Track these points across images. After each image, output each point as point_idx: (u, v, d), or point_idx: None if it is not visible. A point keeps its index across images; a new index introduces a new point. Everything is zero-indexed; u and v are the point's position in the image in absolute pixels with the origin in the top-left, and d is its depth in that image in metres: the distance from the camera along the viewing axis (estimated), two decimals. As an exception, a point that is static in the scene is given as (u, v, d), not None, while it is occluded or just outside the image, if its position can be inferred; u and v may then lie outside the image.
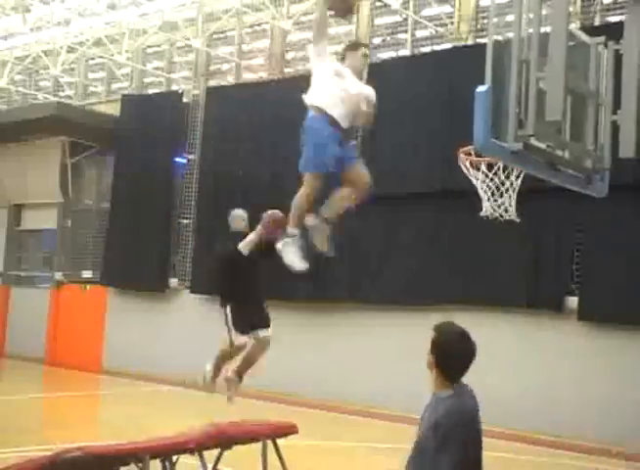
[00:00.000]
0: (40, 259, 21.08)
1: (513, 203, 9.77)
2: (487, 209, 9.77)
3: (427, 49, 14.71)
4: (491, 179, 9.62)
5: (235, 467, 7.69)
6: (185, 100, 17.59)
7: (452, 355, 3.74)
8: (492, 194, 9.68)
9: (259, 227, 7.27)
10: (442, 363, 3.73)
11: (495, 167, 9.61)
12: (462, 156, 9.51)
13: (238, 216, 7.94)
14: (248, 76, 17.56)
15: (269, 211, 7.18)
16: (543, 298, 12.15)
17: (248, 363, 7.78)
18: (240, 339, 7.58)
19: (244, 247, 7.39)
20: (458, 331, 3.80)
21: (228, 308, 7.64)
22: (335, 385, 13.92)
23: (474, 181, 9.72)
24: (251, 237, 7.39)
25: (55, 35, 18.40)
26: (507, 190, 9.64)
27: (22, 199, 20.76)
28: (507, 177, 9.64)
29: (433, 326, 3.84)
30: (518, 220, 9.91)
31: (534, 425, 11.67)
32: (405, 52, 14.88)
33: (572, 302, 12.01)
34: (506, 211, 9.66)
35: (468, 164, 9.60)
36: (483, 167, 9.49)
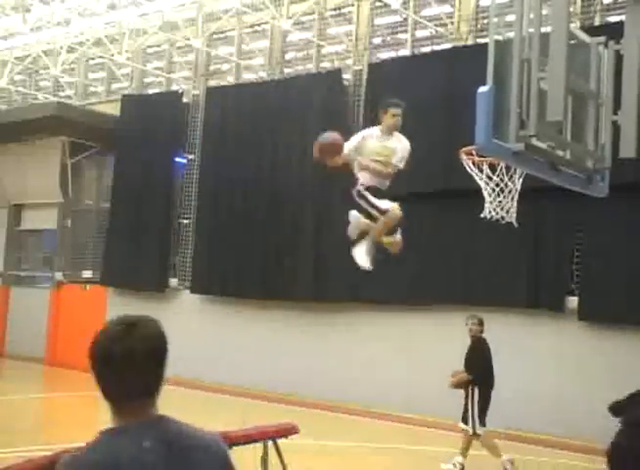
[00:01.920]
0: (40, 259, 21.08)
1: (514, 205, 9.73)
2: (489, 210, 9.73)
3: (427, 49, 14.71)
4: (491, 178, 9.59)
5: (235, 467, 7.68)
6: (185, 100, 17.59)
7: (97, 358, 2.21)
8: (497, 195, 9.64)
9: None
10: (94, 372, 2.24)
11: (498, 169, 9.59)
12: (464, 156, 9.49)
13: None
14: (247, 76, 17.55)
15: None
16: (543, 298, 12.16)
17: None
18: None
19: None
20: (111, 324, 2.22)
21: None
22: (335, 385, 13.92)
23: (479, 181, 9.68)
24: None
25: (55, 35, 18.41)
26: (510, 191, 9.59)
27: (22, 199, 20.76)
28: (510, 179, 9.59)
29: None
30: (516, 225, 9.87)
31: (535, 425, 11.67)
32: (405, 52, 14.87)
33: (572, 302, 12.01)
34: (507, 212, 9.62)
35: (471, 163, 9.58)
36: (486, 168, 9.47)
